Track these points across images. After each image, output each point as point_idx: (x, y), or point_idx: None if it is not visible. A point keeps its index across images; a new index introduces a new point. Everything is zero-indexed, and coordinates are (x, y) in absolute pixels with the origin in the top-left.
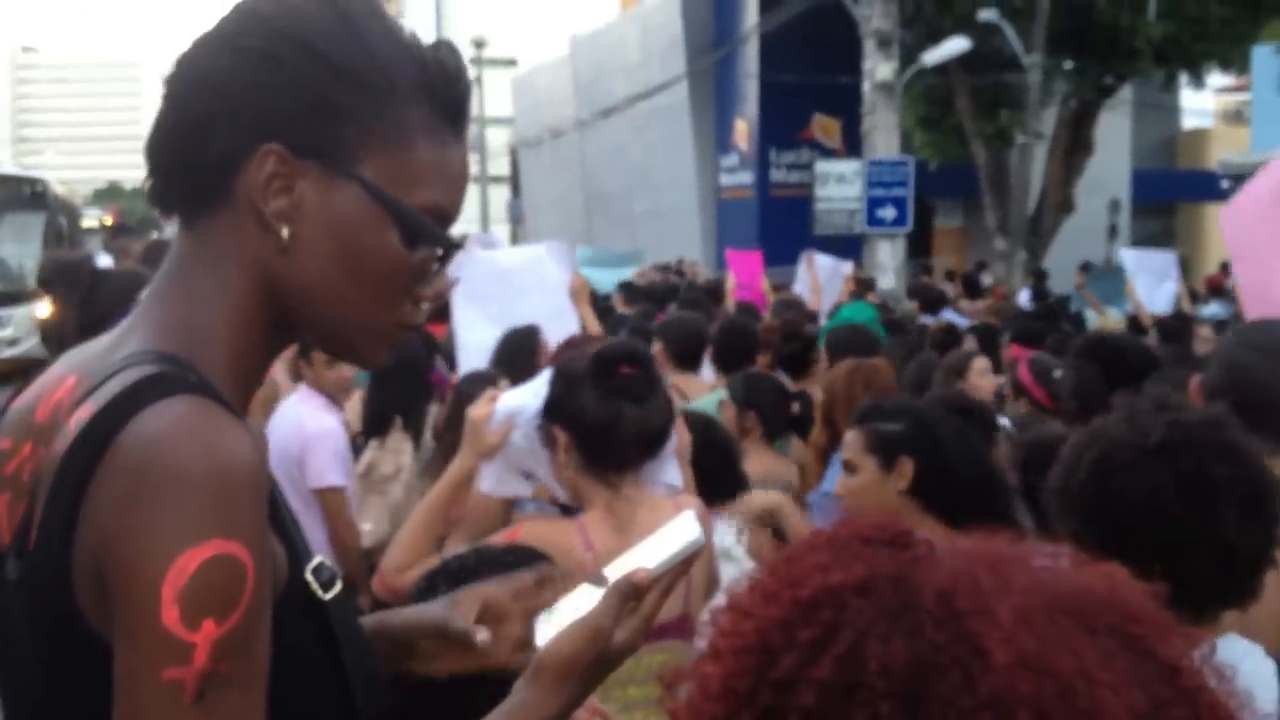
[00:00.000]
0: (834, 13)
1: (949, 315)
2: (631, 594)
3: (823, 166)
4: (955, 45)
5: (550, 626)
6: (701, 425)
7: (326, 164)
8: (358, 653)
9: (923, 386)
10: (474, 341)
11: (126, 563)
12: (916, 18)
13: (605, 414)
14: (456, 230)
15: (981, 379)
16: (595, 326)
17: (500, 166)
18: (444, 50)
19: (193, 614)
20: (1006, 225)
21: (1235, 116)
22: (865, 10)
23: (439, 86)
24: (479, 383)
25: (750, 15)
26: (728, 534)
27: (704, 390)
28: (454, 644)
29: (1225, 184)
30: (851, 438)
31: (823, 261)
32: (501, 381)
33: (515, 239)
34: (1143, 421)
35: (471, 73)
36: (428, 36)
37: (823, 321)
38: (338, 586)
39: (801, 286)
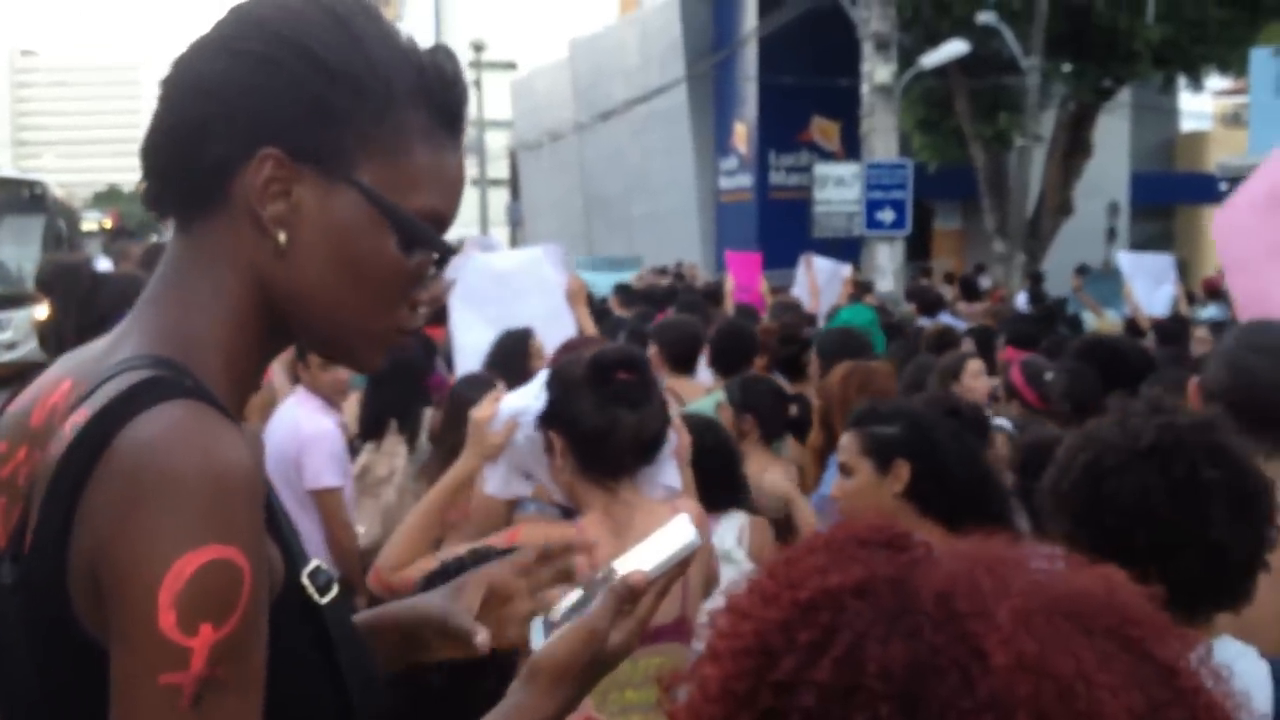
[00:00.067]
0: (832, 15)
1: (946, 318)
2: (627, 596)
3: (821, 169)
4: (954, 48)
5: (546, 628)
6: (704, 429)
7: (324, 169)
8: (354, 656)
9: (919, 389)
10: (471, 344)
11: (123, 567)
12: (915, 20)
13: (601, 420)
14: (455, 233)
15: (976, 381)
16: (592, 329)
17: (499, 169)
18: (441, 55)
19: (190, 619)
20: (1005, 228)
21: (1234, 119)
22: (864, 13)
23: (436, 91)
24: (476, 385)
25: (749, 18)
26: (728, 536)
27: (699, 393)
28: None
29: (1224, 186)
30: (847, 441)
31: (821, 264)
32: (498, 384)
33: (514, 242)
34: (1134, 424)
35: (471, 76)
36: (427, 39)
37: (821, 324)
38: (334, 590)
39: (800, 289)
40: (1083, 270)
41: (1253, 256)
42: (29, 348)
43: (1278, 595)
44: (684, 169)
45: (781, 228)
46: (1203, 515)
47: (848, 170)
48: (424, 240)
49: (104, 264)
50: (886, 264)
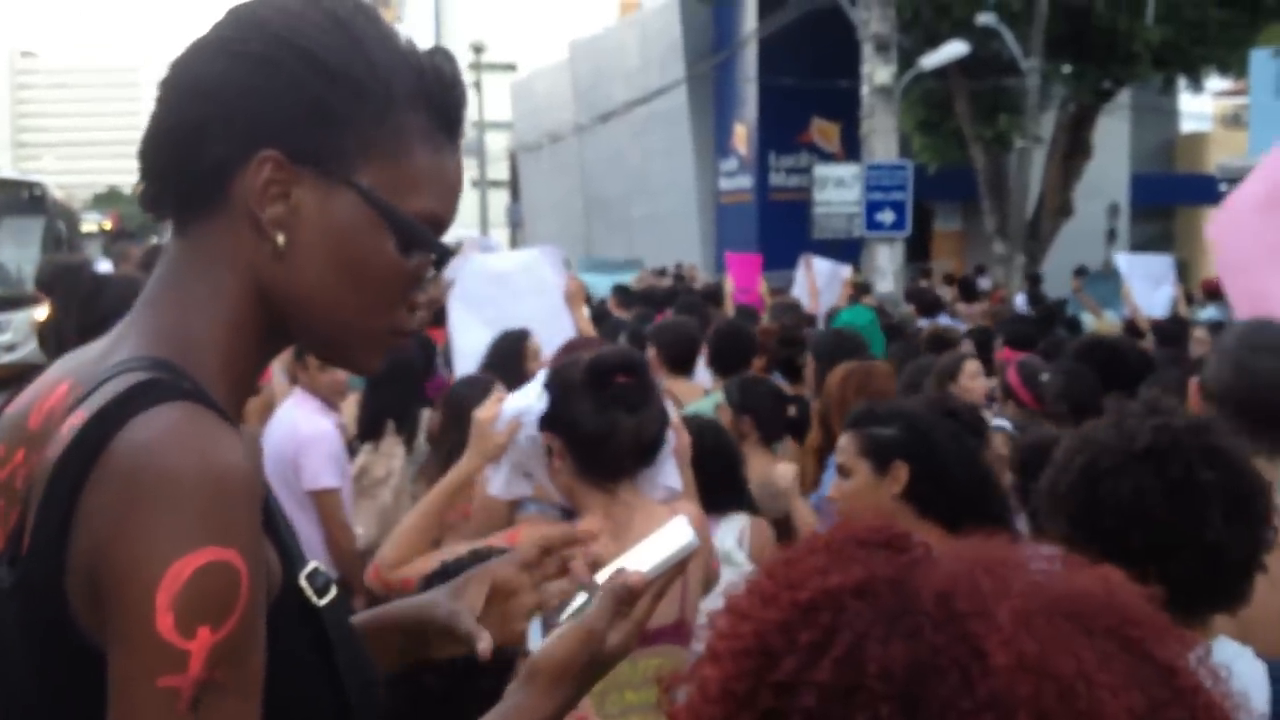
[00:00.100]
0: (832, 17)
1: (945, 319)
2: (625, 597)
3: (821, 170)
4: (953, 49)
5: (544, 629)
6: (706, 430)
7: (323, 171)
8: (353, 657)
9: (917, 390)
10: (469, 345)
11: (120, 570)
12: (915, 22)
13: (600, 424)
14: (455, 234)
15: (973, 381)
16: (589, 330)
17: (499, 171)
18: (440, 57)
19: (187, 621)
20: (1005, 229)
21: (1233, 120)
22: (863, 14)
23: (436, 93)
24: (473, 386)
25: (749, 20)
26: (729, 538)
27: (697, 394)
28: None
29: (1223, 188)
30: (845, 442)
31: (821, 265)
32: (497, 385)
33: (514, 243)
34: (1130, 425)
35: (471, 77)
36: (427, 41)
37: (820, 325)
38: (332, 592)
39: (799, 290)
40: (1081, 272)
41: (1250, 257)
42: (28, 349)
43: (1275, 596)
44: (684, 170)
45: (781, 229)
46: (1199, 517)
47: (848, 171)
48: (422, 242)
49: (104, 266)
50: (886, 265)
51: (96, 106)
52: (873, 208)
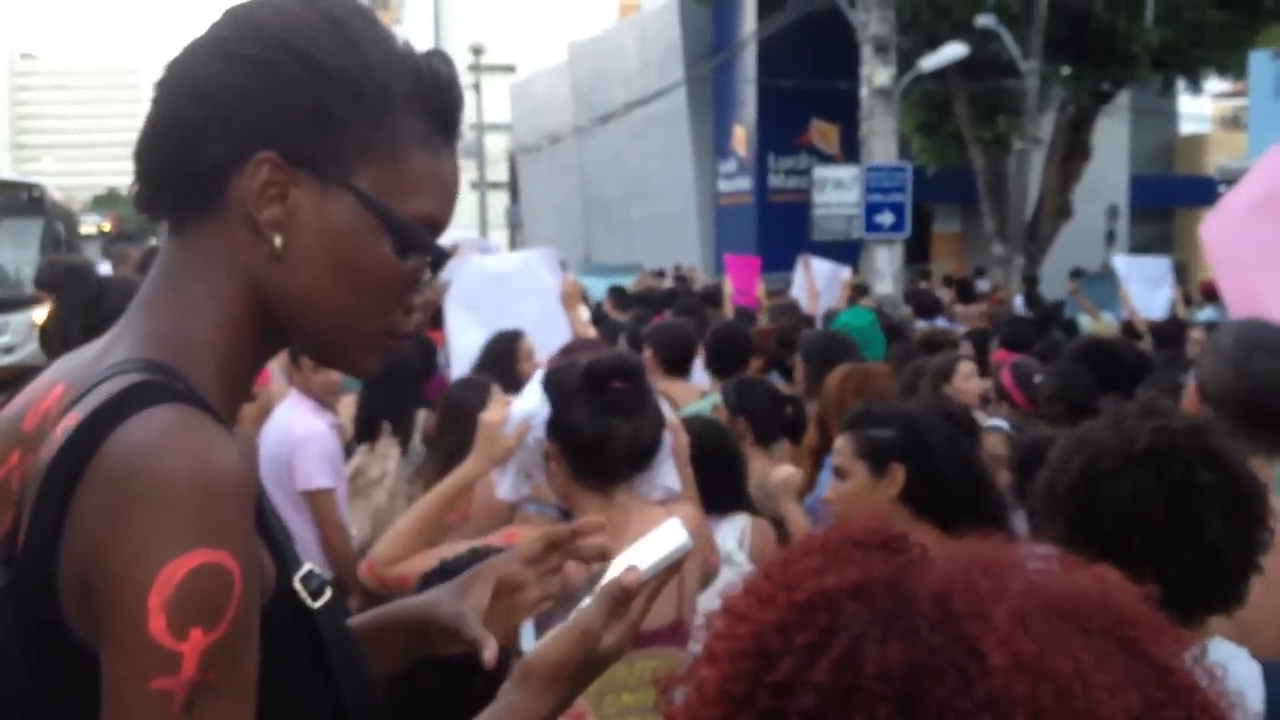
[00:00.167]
0: (831, 18)
1: (943, 322)
2: (620, 597)
3: (821, 172)
4: (953, 51)
5: (537, 629)
6: (707, 431)
7: (320, 173)
8: (348, 659)
9: (914, 392)
10: (466, 346)
11: (112, 572)
12: (914, 24)
13: (597, 430)
14: (454, 235)
15: (967, 383)
16: (586, 331)
17: (499, 173)
18: (437, 59)
19: (180, 623)
20: (1005, 231)
21: (1233, 122)
22: (863, 16)
23: (433, 96)
24: (470, 388)
25: (748, 21)
26: (730, 538)
27: (694, 396)
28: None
29: (1223, 189)
30: (842, 444)
31: (820, 266)
32: (493, 386)
33: (514, 245)
34: (1129, 427)
35: (470, 79)
36: (426, 43)
37: (819, 326)
38: (327, 594)
39: (798, 290)
40: (1078, 273)
41: (1246, 258)
42: (26, 351)
43: (1271, 598)
44: (683, 172)
45: (781, 230)
46: (1198, 519)
47: (847, 173)
48: (419, 245)
49: (103, 268)
50: (886, 267)
51: (96, 108)
52: (872, 209)
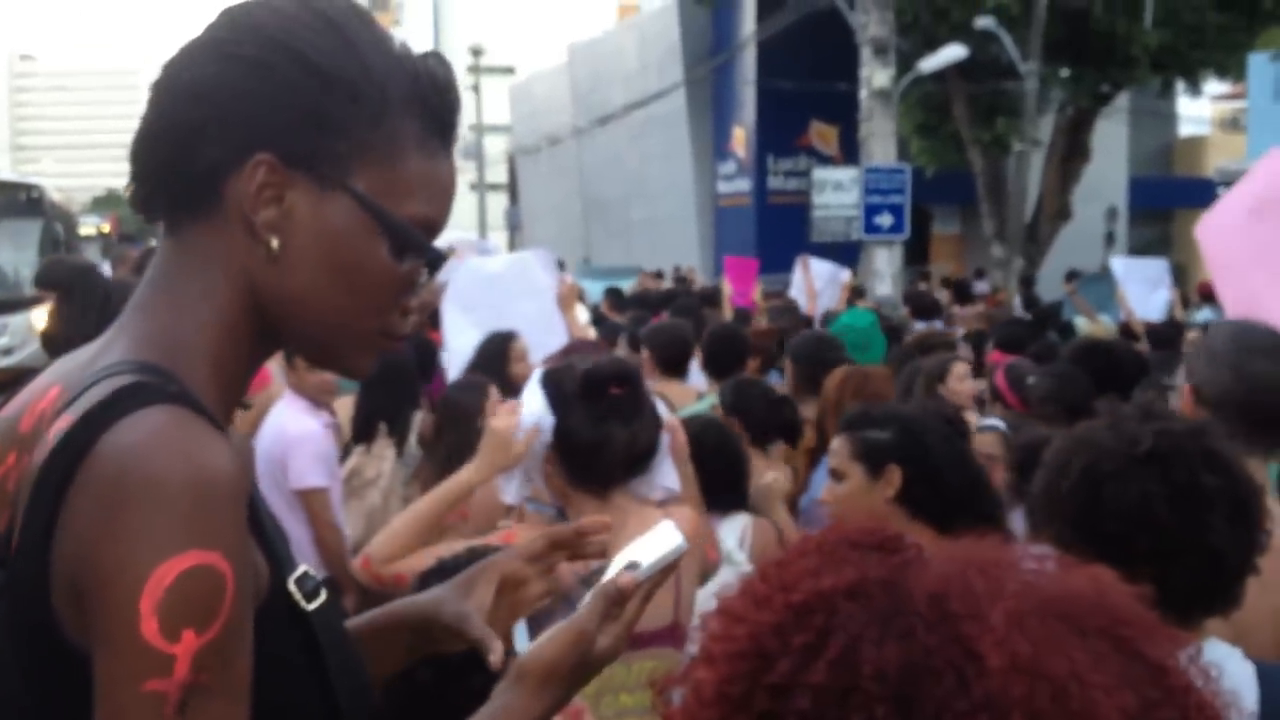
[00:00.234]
0: (831, 20)
1: (939, 322)
2: (616, 598)
3: (820, 174)
4: (952, 53)
5: (530, 630)
6: (711, 431)
7: (317, 175)
8: (343, 661)
9: (912, 394)
10: (462, 347)
11: (104, 573)
12: (913, 25)
13: (594, 436)
14: (453, 237)
15: (961, 384)
16: (582, 332)
17: (498, 174)
18: (434, 61)
19: (172, 625)
20: (1004, 232)
21: (1232, 124)
22: (862, 18)
23: (430, 98)
24: (467, 389)
25: (747, 23)
26: (730, 538)
27: (690, 397)
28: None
29: (1222, 191)
30: (838, 445)
31: (819, 267)
32: (490, 387)
33: (513, 246)
34: (1130, 429)
35: (469, 81)
36: (426, 44)
37: (817, 327)
38: (322, 596)
39: (797, 291)
40: (1074, 275)
41: (1243, 260)
42: (25, 352)
43: (1266, 599)
44: (682, 173)
45: (780, 232)
46: (1202, 522)
47: (846, 175)
48: (416, 247)
49: (104, 269)
50: (885, 269)
51: (95, 109)
52: (871, 211)
